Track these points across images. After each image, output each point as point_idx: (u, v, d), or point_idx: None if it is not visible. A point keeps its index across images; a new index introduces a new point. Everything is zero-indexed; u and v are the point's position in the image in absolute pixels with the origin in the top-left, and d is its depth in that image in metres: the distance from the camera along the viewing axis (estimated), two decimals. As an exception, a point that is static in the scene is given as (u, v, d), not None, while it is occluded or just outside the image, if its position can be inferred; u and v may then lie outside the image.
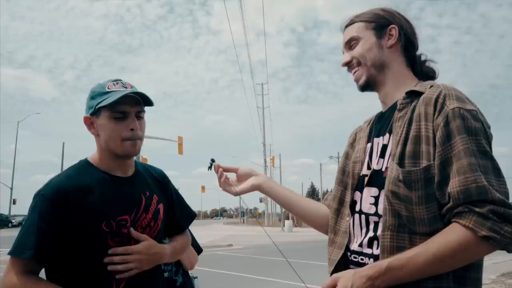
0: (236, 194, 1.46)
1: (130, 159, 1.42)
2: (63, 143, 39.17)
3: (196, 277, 2.04)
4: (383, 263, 1.01)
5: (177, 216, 1.59)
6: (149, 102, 1.38)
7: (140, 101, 1.35)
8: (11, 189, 41.03)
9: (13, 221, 45.14)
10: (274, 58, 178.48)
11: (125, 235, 1.34)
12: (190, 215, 1.67)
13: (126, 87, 1.35)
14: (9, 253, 1.27)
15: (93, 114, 1.35)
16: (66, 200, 1.27)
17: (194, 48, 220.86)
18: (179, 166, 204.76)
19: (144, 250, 1.34)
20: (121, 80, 1.38)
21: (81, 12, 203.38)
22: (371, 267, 1.02)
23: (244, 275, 9.04)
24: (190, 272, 1.98)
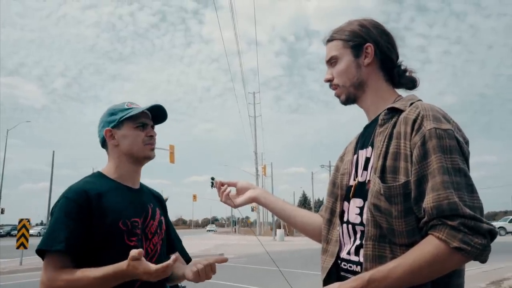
0: (236, 206, 1.54)
1: (147, 161, 1.62)
2: (53, 151, 38.80)
3: (184, 287, 2.03)
4: (366, 275, 1.05)
5: (172, 235, 1.76)
6: (160, 120, 1.67)
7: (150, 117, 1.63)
8: (-1, 198, 40.44)
9: (1, 231, 44.48)
10: (266, 67, 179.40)
11: (139, 236, 1.48)
12: (179, 239, 1.84)
13: (139, 106, 1.61)
14: (39, 247, 1.37)
15: (114, 127, 1.56)
16: (87, 201, 1.42)
17: (186, 56, 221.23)
18: (171, 174, 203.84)
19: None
20: (132, 102, 1.64)
21: (73, 19, 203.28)
22: (355, 280, 1.07)
23: (235, 284, 8.99)
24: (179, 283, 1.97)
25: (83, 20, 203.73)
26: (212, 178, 1.58)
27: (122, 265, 1.29)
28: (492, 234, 0.99)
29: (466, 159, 1.09)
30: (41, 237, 1.43)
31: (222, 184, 1.56)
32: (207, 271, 1.49)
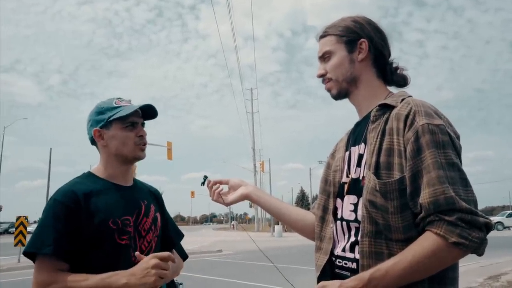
0: (227, 204, 1.54)
1: (137, 161, 1.58)
2: (50, 148, 38.63)
3: (181, 284, 2.03)
4: (366, 274, 1.06)
5: (170, 231, 1.72)
6: (151, 116, 1.61)
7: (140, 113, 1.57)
8: (-3, 195, 40.33)
9: (-2, 228, 44.41)
10: (263, 62, 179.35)
11: (131, 234, 1.46)
12: (180, 233, 1.80)
13: (129, 103, 1.57)
14: (27, 249, 1.36)
15: (103, 127, 1.51)
16: (76, 202, 1.40)
17: (183, 52, 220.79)
18: (168, 171, 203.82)
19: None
20: (121, 97, 1.59)
21: (68, 15, 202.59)
22: (355, 279, 1.07)
23: (233, 280, 9.02)
24: (175, 278, 1.96)
25: (78, 15, 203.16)
26: (205, 177, 1.58)
27: (119, 279, 1.31)
28: (488, 227, 1.01)
29: (458, 153, 1.10)
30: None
31: (215, 183, 1.55)
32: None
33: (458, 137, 1.14)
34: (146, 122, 1.61)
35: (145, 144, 1.56)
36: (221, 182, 1.56)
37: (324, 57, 1.33)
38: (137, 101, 1.61)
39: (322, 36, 1.36)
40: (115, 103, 1.54)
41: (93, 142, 1.57)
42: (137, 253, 1.37)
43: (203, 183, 1.57)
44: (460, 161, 1.09)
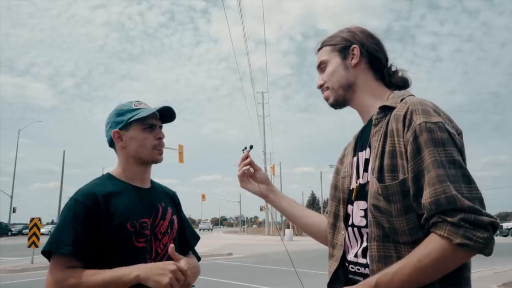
0: (244, 187, 1.56)
1: (155, 163, 1.60)
2: (64, 151, 39.14)
3: (193, 286, 2.03)
4: (372, 279, 1.05)
5: (187, 233, 1.73)
6: (168, 119, 1.64)
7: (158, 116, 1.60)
8: (11, 197, 41.02)
9: (13, 229, 44.99)
10: (274, 66, 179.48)
11: (148, 237, 1.47)
12: (196, 236, 1.81)
13: (147, 106, 1.60)
14: (46, 248, 1.37)
15: (122, 128, 1.54)
16: (96, 203, 1.41)
17: (195, 55, 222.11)
18: (179, 174, 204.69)
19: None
20: (140, 100, 1.62)
21: (82, 19, 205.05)
22: (362, 285, 1.07)
23: (244, 284, 9.01)
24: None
25: (92, 19, 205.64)
26: (251, 147, 1.58)
27: (132, 271, 1.31)
28: (494, 226, 0.98)
29: (460, 150, 1.08)
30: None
31: (249, 163, 1.55)
32: None
33: (459, 134, 1.12)
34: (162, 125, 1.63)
35: (162, 147, 1.58)
36: (254, 167, 1.57)
37: (321, 67, 1.37)
38: (150, 105, 1.63)
39: (319, 49, 1.40)
40: (134, 105, 1.58)
41: (111, 144, 1.59)
42: (171, 245, 1.39)
43: (244, 149, 1.57)
44: (463, 158, 1.07)
